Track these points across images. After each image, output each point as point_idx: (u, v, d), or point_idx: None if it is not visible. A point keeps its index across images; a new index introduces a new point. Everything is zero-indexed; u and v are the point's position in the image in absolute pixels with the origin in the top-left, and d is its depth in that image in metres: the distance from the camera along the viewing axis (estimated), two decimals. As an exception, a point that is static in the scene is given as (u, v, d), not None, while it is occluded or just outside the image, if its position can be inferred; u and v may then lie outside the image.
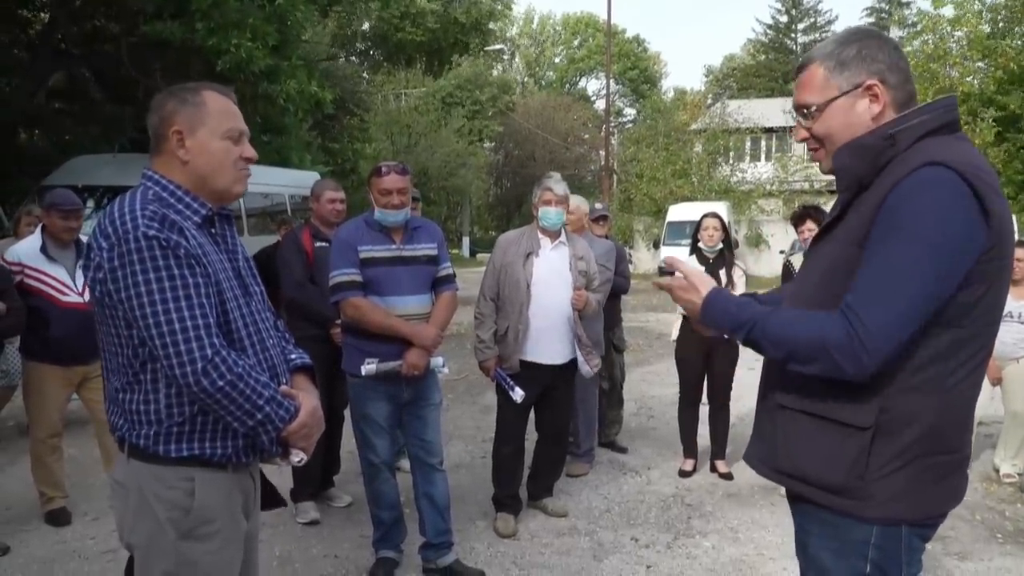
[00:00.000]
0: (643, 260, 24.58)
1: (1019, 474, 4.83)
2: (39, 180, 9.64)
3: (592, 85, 61.72)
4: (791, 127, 1.70)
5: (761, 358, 1.68)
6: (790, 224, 5.02)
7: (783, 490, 1.78)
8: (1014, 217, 1.83)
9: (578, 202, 4.83)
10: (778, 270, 5.62)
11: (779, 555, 3.69)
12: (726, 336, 1.77)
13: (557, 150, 38.75)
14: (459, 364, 8.05)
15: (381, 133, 28.43)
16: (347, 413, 3.63)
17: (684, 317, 4.72)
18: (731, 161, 26.67)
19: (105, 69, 13.49)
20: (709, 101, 39.73)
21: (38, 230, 4.05)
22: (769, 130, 27.98)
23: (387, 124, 28.84)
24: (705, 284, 1.69)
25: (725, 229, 4.86)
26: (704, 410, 5.02)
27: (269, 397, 1.71)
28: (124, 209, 1.67)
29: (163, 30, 10.03)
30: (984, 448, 5.29)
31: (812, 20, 47.67)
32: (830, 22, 47.21)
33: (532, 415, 4.09)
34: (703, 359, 4.83)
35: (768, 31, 48.97)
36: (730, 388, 4.91)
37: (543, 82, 53.91)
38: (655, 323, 12.36)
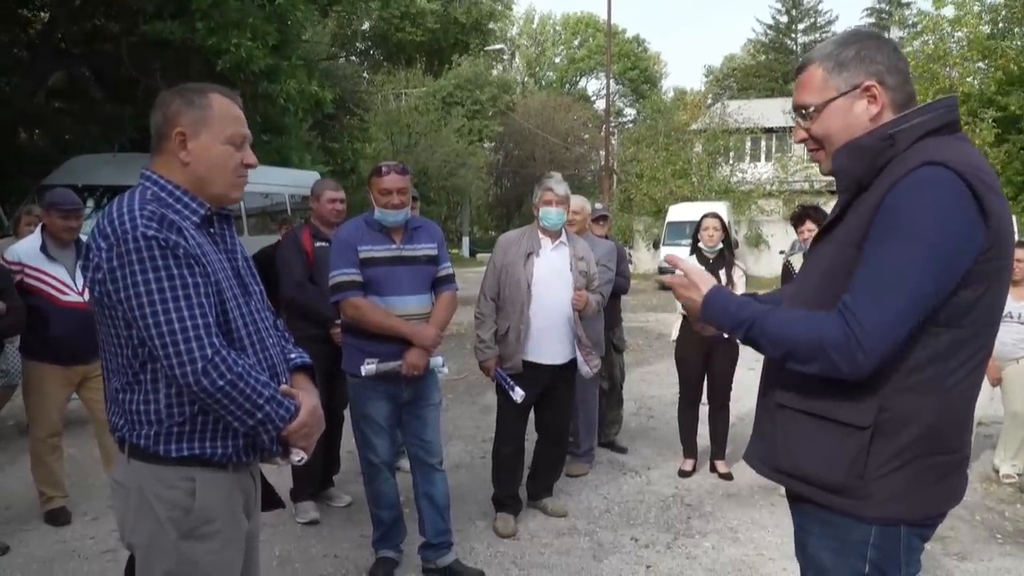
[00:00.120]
0: (643, 260, 24.60)
1: (1019, 474, 4.83)
2: (39, 179, 9.65)
3: (592, 85, 61.83)
4: (791, 127, 1.70)
5: (761, 358, 1.68)
6: (790, 224, 5.03)
7: (783, 490, 1.78)
8: (1014, 218, 1.83)
9: (582, 203, 4.83)
10: (778, 270, 5.62)
11: (779, 555, 3.70)
12: (726, 336, 1.77)
13: (557, 150, 38.78)
14: (459, 364, 8.05)
15: (381, 133, 28.44)
16: (347, 413, 3.63)
17: (684, 317, 4.72)
18: (731, 161, 26.68)
19: (105, 68, 13.49)
20: (709, 101, 39.73)
21: (38, 229, 4.05)
22: (769, 130, 27.99)
23: (387, 124, 28.84)
24: (706, 282, 1.70)
25: (725, 229, 4.86)
26: (704, 410, 5.02)
27: (269, 396, 1.71)
28: (122, 209, 1.67)
29: (163, 30, 10.03)
30: (984, 448, 5.29)
31: (812, 20, 47.69)
32: (830, 22, 47.25)
33: (532, 415, 4.09)
34: (703, 359, 4.83)
35: (768, 31, 48.99)
36: (730, 388, 4.91)
37: (543, 82, 53.94)
38: (655, 323, 12.37)
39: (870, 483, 1.51)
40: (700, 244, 4.88)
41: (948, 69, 18.40)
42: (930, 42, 18.92)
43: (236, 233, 1.93)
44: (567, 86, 53.55)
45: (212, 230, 1.82)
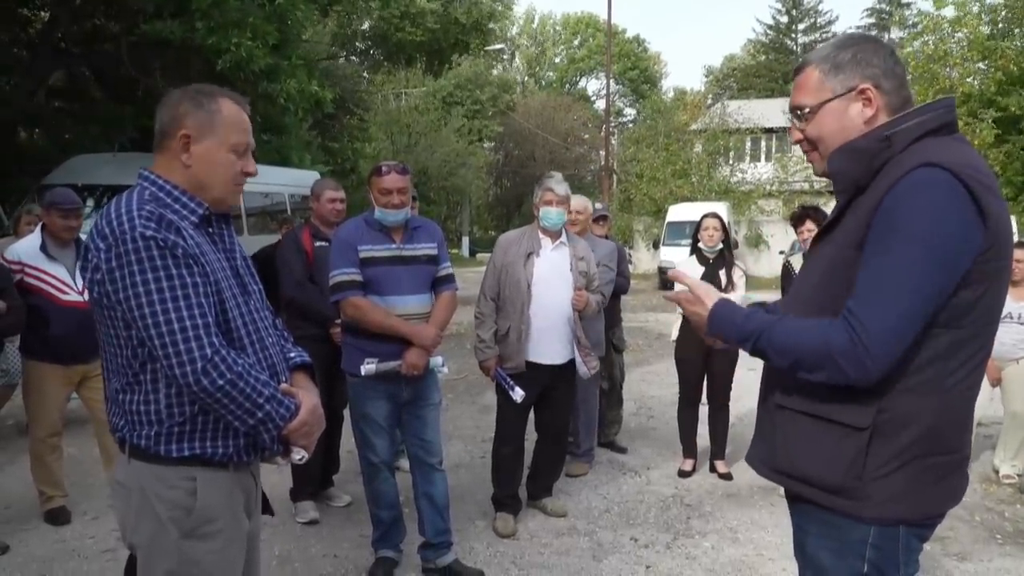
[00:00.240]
0: (643, 260, 24.60)
1: (1018, 475, 4.83)
2: (39, 179, 9.64)
3: (592, 85, 61.83)
4: (791, 128, 1.70)
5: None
6: (790, 224, 5.03)
7: (782, 490, 1.78)
8: (1013, 219, 1.84)
9: (584, 203, 4.83)
10: (778, 270, 5.62)
11: (778, 555, 3.70)
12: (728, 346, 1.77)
13: (557, 150, 38.77)
14: (459, 364, 8.05)
15: (381, 133, 28.44)
16: (346, 413, 3.63)
17: (684, 317, 4.72)
18: (731, 161, 26.68)
19: (105, 68, 13.48)
20: (709, 101, 39.71)
21: (38, 229, 4.05)
22: (769, 130, 27.97)
23: (387, 124, 28.84)
24: (711, 296, 1.69)
25: (725, 229, 4.86)
26: (704, 410, 5.02)
27: (269, 395, 1.71)
28: (121, 210, 1.67)
29: (163, 29, 10.02)
30: (983, 449, 5.29)
31: (812, 20, 47.66)
32: (830, 22, 47.22)
33: (532, 415, 4.10)
34: (703, 359, 4.83)
35: (768, 31, 48.97)
36: (730, 388, 4.91)
37: (543, 82, 53.91)
38: (655, 323, 12.37)
39: (869, 484, 1.51)
40: (700, 244, 4.88)
41: (948, 69, 18.41)
42: (930, 42, 18.93)
43: (235, 233, 1.93)
44: (567, 86, 53.53)
45: (211, 230, 1.82)
